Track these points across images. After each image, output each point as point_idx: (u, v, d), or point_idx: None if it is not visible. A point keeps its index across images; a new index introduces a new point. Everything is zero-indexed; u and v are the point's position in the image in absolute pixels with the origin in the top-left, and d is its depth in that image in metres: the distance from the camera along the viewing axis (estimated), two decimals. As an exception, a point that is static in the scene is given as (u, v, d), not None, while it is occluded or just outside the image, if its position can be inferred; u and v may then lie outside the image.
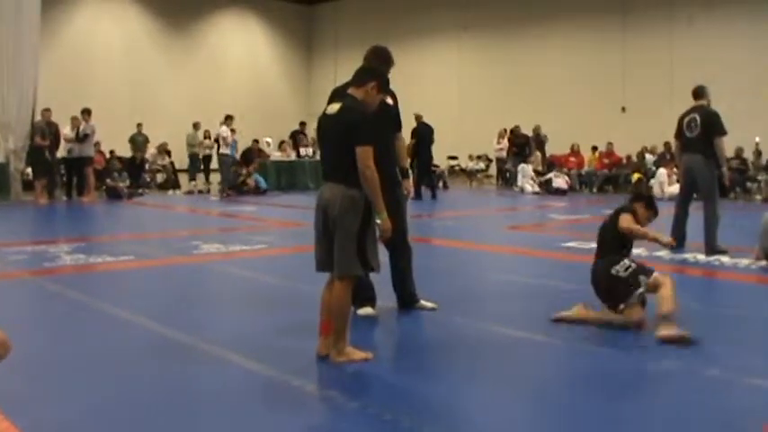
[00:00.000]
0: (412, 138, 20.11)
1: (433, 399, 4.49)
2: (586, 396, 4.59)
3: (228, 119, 21.84)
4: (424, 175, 20.92)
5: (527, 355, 5.49)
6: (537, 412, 4.39)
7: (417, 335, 6.16)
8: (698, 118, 10.42)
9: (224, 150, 21.49)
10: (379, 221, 5.19)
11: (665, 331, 5.62)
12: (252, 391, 4.58)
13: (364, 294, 6.32)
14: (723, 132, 10.36)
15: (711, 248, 10.05)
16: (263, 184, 22.68)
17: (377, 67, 5.98)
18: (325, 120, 5.29)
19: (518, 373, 5.08)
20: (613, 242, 6.37)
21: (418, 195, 19.65)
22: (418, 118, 20.69)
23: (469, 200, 21.80)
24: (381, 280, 6.33)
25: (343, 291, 5.10)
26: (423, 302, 6.70)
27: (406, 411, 4.20)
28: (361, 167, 4.98)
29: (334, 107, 5.22)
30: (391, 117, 6.42)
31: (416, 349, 5.67)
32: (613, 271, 6.11)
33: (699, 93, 10.74)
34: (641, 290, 6.02)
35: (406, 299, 6.69)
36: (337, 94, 5.72)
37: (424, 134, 20.55)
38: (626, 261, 6.19)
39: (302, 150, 25.73)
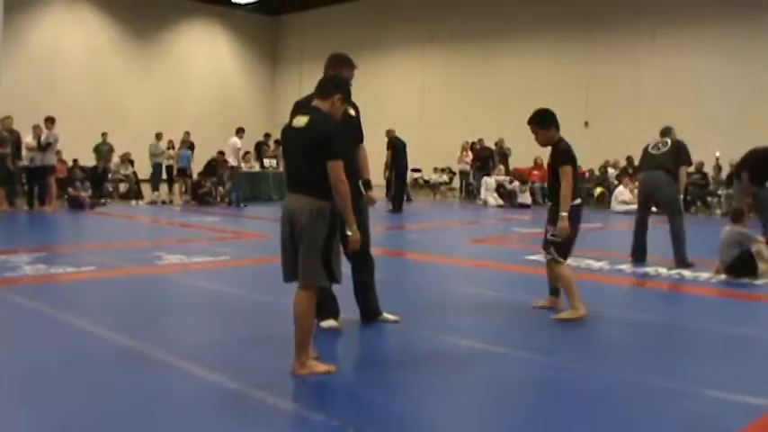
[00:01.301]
0: (388, 150, 20.32)
1: (396, 410, 4.49)
2: (544, 407, 4.62)
3: (240, 131, 22.24)
4: (403, 187, 20.99)
5: (488, 367, 5.50)
6: (496, 423, 4.41)
7: (380, 347, 6.17)
8: (668, 141, 10.72)
9: (234, 163, 21.68)
10: (349, 233, 5.23)
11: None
12: (214, 403, 4.56)
13: (328, 307, 6.31)
14: (689, 163, 10.68)
15: (682, 261, 10.17)
16: (233, 195, 22.57)
17: (338, 73, 5.94)
18: (291, 132, 5.29)
19: (478, 385, 5.10)
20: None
21: (399, 208, 19.77)
22: (390, 132, 20.83)
23: (433, 212, 21.82)
24: (345, 292, 6.33)
25: (306, 302, 5.11)
26: (386, 315, 6.69)
27: (369, 423, 4.21)
28: (334, 181, 5.04)
29: (302, 120, 5.21)
30: (354, 128, 6.43)
31: (379, 361, 5.67)
32: (548, 228, 7.14)
33: (667, 131, 11.06)
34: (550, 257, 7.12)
35: (370, 311, 6.68)
36: (302, 107, 5.73)
37: (398, 147, 20.63)
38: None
39: (266, 162, 25.66)
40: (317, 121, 5.14)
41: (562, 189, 6.91)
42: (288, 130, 5.35)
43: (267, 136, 28.18)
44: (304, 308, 5.11)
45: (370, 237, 6.63)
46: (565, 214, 6.86)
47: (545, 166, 24.36)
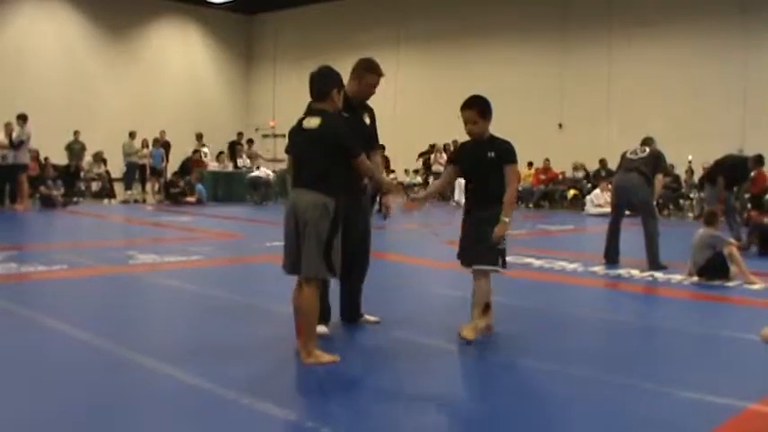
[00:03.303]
0: None
1: (381, 414, 4.48)
2: (519, 407, 4.62)
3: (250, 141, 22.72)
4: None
5: (465, 368, 5.51)
6: (470, 424, 4.41)
7: (363, 349, 6.12)
8: (647, 149, 10.77)
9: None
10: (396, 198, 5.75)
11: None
12: (188, 404, 4.53)
13: (321, 313, 6.18)
14: (666, 173, 10.66)
15: (654, 263, 10.22)
16: (204, 194, 22.57)
17: (333, 70, 5.87)
18: (302, 133, 5.51)
19: (445, 385, 5.11)
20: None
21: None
22: None
23: (405, 213, 21.79)
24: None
25: (311, 293, 5.33)
26: (366, 317, 6.65)
27: (348, 425, 4.19)
28: (364, 175, 5.82)
29: (313, 122, 5.46)
30: (364, 135, 6.27)
31: (361, 364, 5.63)
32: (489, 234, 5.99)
33: (648, 141, 11.08)
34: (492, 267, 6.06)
35: (353, 313, 6.63)
36: (311, 109, 5.75)
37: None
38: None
39: (239, 161, 25.62)
40: (329, 123, 5.43)
41: (509, 191, 6.04)
42: (297, 131, 5.57)
43: (240, 135, 28.19)
44: (309, 299, 5.33)
45: (371, 238, 6.63)
46: (507, 220, 5.98)
47: (518, 168, 24.60)
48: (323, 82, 5.57)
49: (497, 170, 6.08)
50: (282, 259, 5.53)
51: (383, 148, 20.90)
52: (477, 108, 6.19)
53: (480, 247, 6.05)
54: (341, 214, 5.39)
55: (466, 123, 6.23)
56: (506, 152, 6.12)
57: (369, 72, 6.38)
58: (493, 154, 6.10)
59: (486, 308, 6.17)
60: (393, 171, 29.44)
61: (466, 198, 6.51)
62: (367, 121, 6.48)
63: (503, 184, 6.06)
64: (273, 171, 24.04)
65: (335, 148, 5.38)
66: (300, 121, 5.58)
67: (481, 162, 6.14)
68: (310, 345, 5.32)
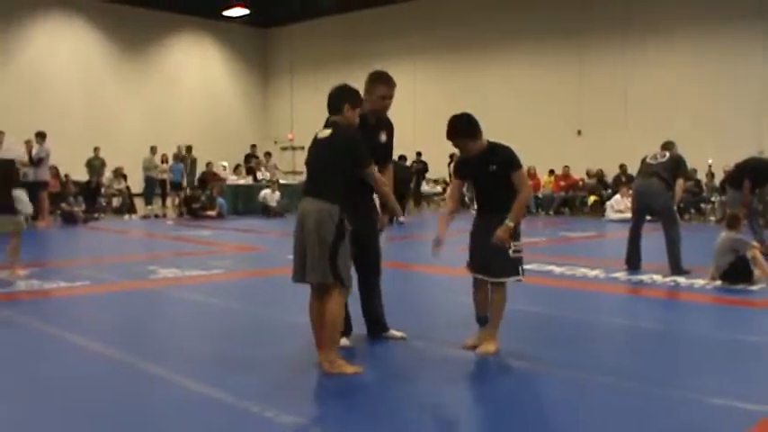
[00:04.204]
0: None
1: (401, 425, 4.47)
2: (546, 416, 4.60)
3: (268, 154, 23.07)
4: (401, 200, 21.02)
5: (490, 381, 5.48)
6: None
7: (386, 363, 6.09)
8: (668, 154, 10.71)
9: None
10: (401, 219, 5.73)
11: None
12: (211, 417, 4.54)
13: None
14: (687, 177, 10.60)
15: (676, 268, 10.17)
16: (224, 208, 22.63)
17: (347, 85, 5.85)
18: (316, 143, 5.65)
19: (482, 398, 5.08)
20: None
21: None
22: None
23: (427, 223, 21.81)
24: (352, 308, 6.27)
25: (333, 302, 5.35)
26: (392, 332, 6.54)
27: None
28: (375, 185, 5.76)
29: (326, 132, 5.59)
30: (377, 152, 6.12)
31: (383, 377, 5.61)
32: (508, 245, 5.91)
33: (668, 145, 10.98)
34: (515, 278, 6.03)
35: (378, 328, 6.53)
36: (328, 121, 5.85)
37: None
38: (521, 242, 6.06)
39: (259, 174, 25.67)
40: (339, 132, 5.53)
41: (520, 196, 5.90)
42: (312, 142, 5.69)
43: (254, 147, 28.35)
44: (332, 308, 5.35)
45: (380, 250, 6.54)
46: (512, 224, 5.84)
47: (537, 175, 24.52)
48: (336, 97, 5.67)
49: (502, 180, 5.96)
50: (292, 268, 5.54)
51: (419, 154, 20.81)
52: (460, 135, 6.02)
53: (499, 259, 5.95)
54: (348, 223, 5.40)
55: (459, 150, 6.18)
56: (508, 161, 5.97)
57: (377, 83, 6.29)
58: (494, 167, 5.95)
59: (485, 321, 6.18)
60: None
61: (476, 206, 6.45)
62: (383, 138, 6.37)
63: (510, 192, 5.94)
64: (283, 185, 24.27)
65: (344, 156, 5.46)
66: (316, 134, 5.69)
67: (484, 175, 6.05)
68: (333, 354, 5.34)
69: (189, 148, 25.84)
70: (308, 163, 5.72)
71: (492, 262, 5.98)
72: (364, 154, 5.55)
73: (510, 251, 5.92)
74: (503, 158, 5.96)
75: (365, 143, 5.70)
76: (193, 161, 26.00)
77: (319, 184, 5.46)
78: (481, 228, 6.10)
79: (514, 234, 5.94)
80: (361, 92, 5.92)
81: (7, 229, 10.16)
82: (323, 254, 5.26)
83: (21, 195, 10.82)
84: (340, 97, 5.66)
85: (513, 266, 5.99)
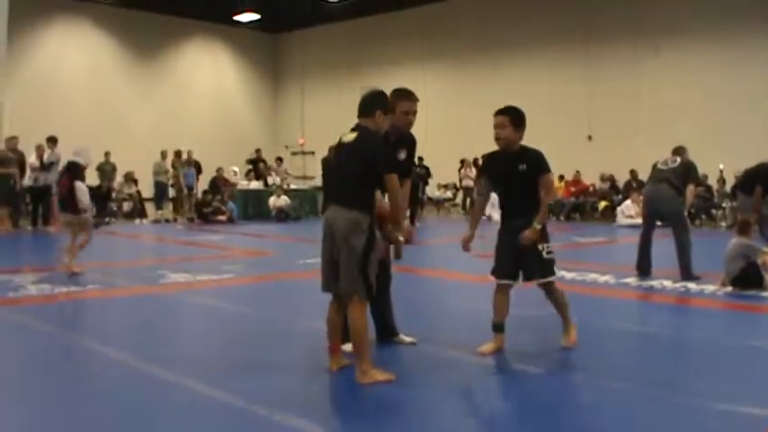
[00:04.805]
0: None
1: (407, 429, 4.47)
2: (558, 421, 4.59)
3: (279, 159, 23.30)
4: (414, 206, 20.98)
5: (500, 384, 5.48)
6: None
7: (394, 367, 6.10)
8: (678, 159, 10.69)
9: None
10: (400, 237, 5.67)
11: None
12: (221, 421, 4.55)
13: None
14: (698, 183, 10.57)
15: (687, 274, 10.15)
16: (235, 213, 22.68)
17: (378, 90, 5.85)
18: (341, 147, 5.56)
19: (491, 402, 5.08)
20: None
21: (411, 223, 19.69)
22: None
23: (438, 228, 21.81)
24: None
25: (357, 312, 5.30)
26: (402, 336, 6.54)
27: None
28: (391, 192, 5.43)
29: (350, 136, 5.49)
30: (399, 168, 5.99)
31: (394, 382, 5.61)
32: (540, 247, 6.10)
33: (679, 150, 10.98)
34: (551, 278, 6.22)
35: (388, 332, 6.52)
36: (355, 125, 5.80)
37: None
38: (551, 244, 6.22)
39: (269, 179, 25.71)
40: (364, 137, 5.42)
41: (545, 199, 6.10)
42: (337, 145, 5.63)
43: (258, 152, 28.42)
44: (356, 318, 5.29)
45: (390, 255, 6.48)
46: (539, 226, 6.00)
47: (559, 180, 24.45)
48: (369, 101, 5.59)
49: (529, 182, 6.08)
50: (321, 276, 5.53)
51: (420, 159, 20.84)
52: (508, 114, 6.17)
53: (536, 262, 6.11)
54: (375, 233, 5.36)
55: (495, 128, 6.20)
56: (539, 163, 6.08)
57: (399, 99, 6.20)
58: (524, 167, 6.07)
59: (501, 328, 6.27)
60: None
61: (501, 210, 6.45)
62: (402, 155, 6.28)
63: (536, 195, 6.06)
64: (294, 190, 24.39)
65: (370, 161, 5.32)
66: (341, 137, 5.62)
67: (512, 174, 6.11)
68: (365, 365, 5.27)
69: (188, 154, 25.84)
70: (332, 170, 5.68)
71: (532, 265, 6.14)
72: (387, 160, 5.46)
73: (543, 252, 6.10)
74: (534, 160, 6.09)
75: None
76: (196, 164, 26.04)
77: (347, 191, 5.38)
78: (509, 234, 6.19)
79: (544, 236, 6.10)
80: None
81: (74, 227, 11.01)
82: (354, 264, 5.22)
83: (82, 187, 11.17)
84: (373, 101, 5.58)
85: (549, 267, 6.17)
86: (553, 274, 6.21)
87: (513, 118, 6.15)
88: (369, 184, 5.37)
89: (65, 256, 10.96)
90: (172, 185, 24.69)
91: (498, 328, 6.25)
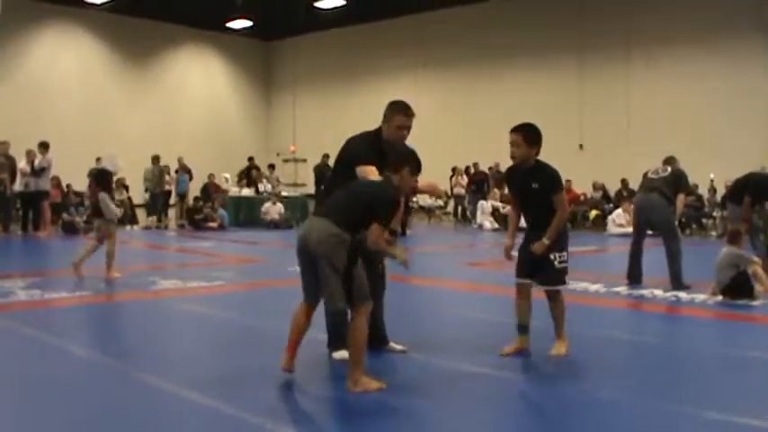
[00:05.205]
0: None
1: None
2: (543, 429, 4.60)
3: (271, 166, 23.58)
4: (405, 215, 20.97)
5: (492, 393, 5.48)
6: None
7: (385, 376, 6.09)
8: (669, 168, 10.77)
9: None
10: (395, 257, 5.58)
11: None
12: (210, 430, 4.54)
13: (342, 337, 5.98)
14: (688, 191, 10.63)
15: (677, 283, 10.17)
16: (226, 219, 22.66)
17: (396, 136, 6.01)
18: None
19: (482, 411, 5.08)
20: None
21: (402, 233, 19.72)
22: None
23: (429, 236, 21.81)
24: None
25: (360, 323, 5.28)
26: (392, 345, 6.52)
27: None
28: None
29: (377, 176, 5.61)
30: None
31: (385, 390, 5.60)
32: (552, 256, 6.34)
33: (670, 160, 11.10)
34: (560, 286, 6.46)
35: (378, 340, 6.44)
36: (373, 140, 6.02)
37: None
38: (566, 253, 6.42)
39: (261, 187, 25.70)
40: (385, 190, 5.40)
41: (558, 216, 6.26)
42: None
43: (251, 159, 28.38)
44: (360, 330, 5.29)
45: (385, 262, 6.48)
46: (548, 242, 6.23)
47: (573, 189, 24.49)
48: (401, 159, 5.62)
49: (543, 199, 6.33)
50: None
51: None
52: (522, 132, 6.33)
53: (547, 269, 6.36)
54: (359, 244, 5.31)
55: (511, 145, 6.36)
56: (551, 182, 6.30)
57: (395, 113, 6.15)
58: (537, 185, 6.31)
59: (525, 330, 6.49)
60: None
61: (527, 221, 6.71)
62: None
63: (552, 210, 6.30)
64: (285, 197, 24.36)
65: (372, 206, 5.26)
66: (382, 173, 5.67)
67: (527, 191, 6.40)
68: (357, 373, 5.25)
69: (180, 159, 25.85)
70: (338, 187, 5.67)
71: (545, 271, 6.39)
72: (361, 154, 5.49)
73: (555, 262, 6.33)
74: (546, 178, 6.32)
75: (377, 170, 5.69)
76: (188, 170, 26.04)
77: (328, 203, 5.40)
78: (531, 242, 6.44)
79: (559, 246, 6.35)
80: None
81: (102, 231, 11.39)
82: (338, 281, 5.16)
83: (106, 199, 11.31)
84: (404, 160, 5.62)
85: (559, 276, 6.39)
86: (562, 283, 6.44)
87: (526, 135, 6.33)
88: (362, 219, 5.27)
89: (84, 255, 11.30)
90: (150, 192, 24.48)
91: (521, 329, 6.46)
